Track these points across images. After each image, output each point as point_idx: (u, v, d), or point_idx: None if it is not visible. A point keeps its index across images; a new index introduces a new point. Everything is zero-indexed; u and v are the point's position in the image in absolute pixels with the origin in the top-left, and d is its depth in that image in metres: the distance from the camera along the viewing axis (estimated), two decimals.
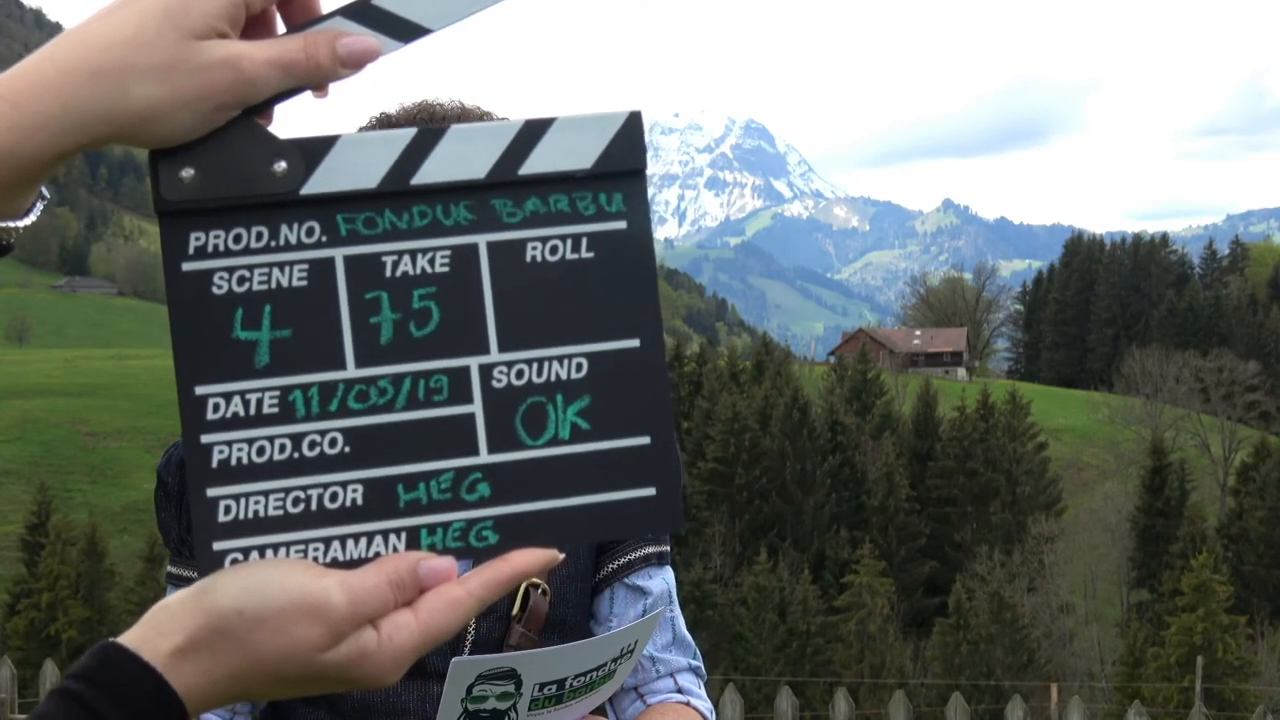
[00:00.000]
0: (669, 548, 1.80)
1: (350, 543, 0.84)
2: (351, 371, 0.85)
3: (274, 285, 0.84)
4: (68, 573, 33.39)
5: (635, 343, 0.86)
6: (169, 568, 1.69)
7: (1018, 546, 39.94)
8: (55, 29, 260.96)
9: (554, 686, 1.37)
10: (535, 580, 1.65)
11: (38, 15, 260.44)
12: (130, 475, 49.48)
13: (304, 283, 0.84)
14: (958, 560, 41.00)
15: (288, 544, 0.83)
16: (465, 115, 1.65)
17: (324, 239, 0.85)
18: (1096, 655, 35.80)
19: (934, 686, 31.81)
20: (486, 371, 0.86)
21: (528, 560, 0.85)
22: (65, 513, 38.75)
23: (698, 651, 1.80)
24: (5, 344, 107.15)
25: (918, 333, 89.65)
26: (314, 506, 0.84)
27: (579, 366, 0.87)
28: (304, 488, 0.84)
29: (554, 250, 0.87)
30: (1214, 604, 30.34)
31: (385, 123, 1.65)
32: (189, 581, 1.61)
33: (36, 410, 56.83)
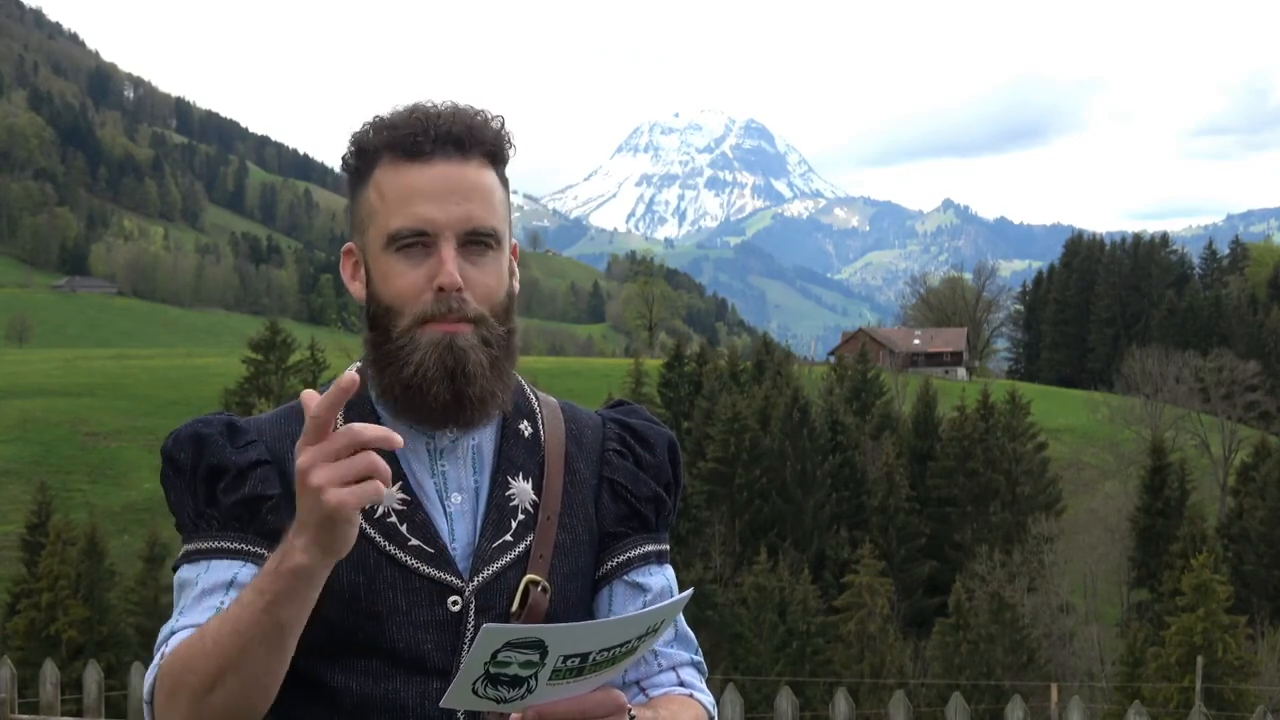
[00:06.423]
0: (668, 546, 1.81)
1: None
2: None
3: None
4: (68, 573, 33.33)
5: None
6: (187, 546, 1.62)
7: (1018, 546, 39.89)
8: (55, 29, 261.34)
9: (577, 659, 1.41)
10: (535, 577, 1.66)
11: (38, 15, 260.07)
12: (130, 475, 49.45)
13: None
14: (958, 560, 40.97)
15: None
16: (458, 115, 1.65)
17: None
18: (1096, 655, 35.78)
19: (934, 686, 31.80)
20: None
21: None
22: (65, 513, 38.68)
23: (699, 648, 1.81)
24: (5, 344, 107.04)
25: (918, 333, 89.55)
26: None
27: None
28: None
29: None
30: (1214, 604, 30.31)
31: (380, 126, 1.66)
32: (212, 553, 1.59)
33: (36, 410, 56.78)
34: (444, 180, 1.62)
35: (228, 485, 1.62)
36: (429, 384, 1.60)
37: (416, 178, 1.62)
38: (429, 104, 1.68)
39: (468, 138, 1.64)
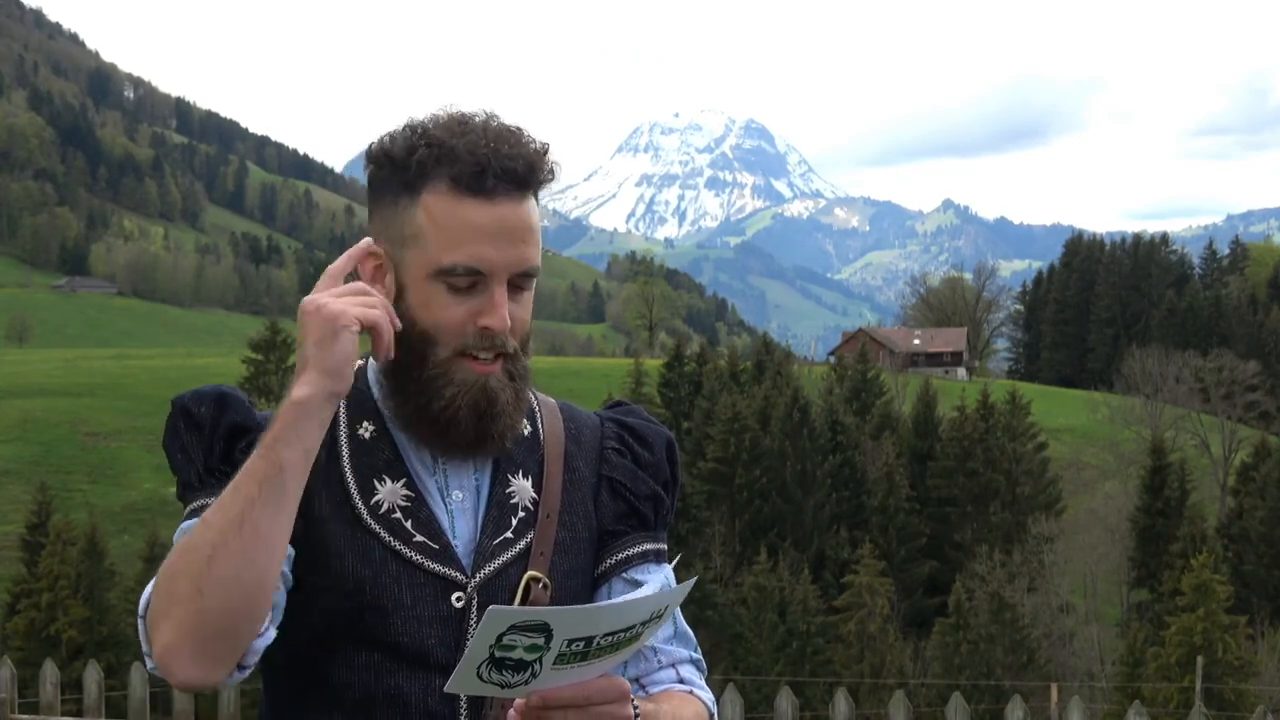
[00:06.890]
0: (665, 546, 1.81)
1: None
2: None
3: None
4: (68, 573, 33.33)
5: None
6: (194, 503, 1.61)
7: (1018, 546, 39.89)
8: (55, 29, 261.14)
9: (581, 644, 1.42)
10: (536, 574, 1.67)
11: (38, 15, 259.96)
12: (130, 475, 49.39)
13: None
14: (958, 560, 40.96)
15: None
16: (519, 150, 1.63)
17: None
18: (1096, 655, 35.77)
19: (934, 686, 31.80)
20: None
21: None
22: (65, 513, 38.65)
23: (698, 646, 1.82)
24: (5, 344, 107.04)
25: (918, 333, 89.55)
26: None
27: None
28: None
29: None
30: (1214, 604, 30.30)
31: (439, 146, 1.61)
32: None
33: (36, 410, 56.76)
34: (503, 221, 1.61)
35: (249, 445, 1.60)
36: (458, 421, 1.62)
37: (476, 215, 1.60)
38: (481, 122, 1.64)
39: (530, 178, 1.64)
